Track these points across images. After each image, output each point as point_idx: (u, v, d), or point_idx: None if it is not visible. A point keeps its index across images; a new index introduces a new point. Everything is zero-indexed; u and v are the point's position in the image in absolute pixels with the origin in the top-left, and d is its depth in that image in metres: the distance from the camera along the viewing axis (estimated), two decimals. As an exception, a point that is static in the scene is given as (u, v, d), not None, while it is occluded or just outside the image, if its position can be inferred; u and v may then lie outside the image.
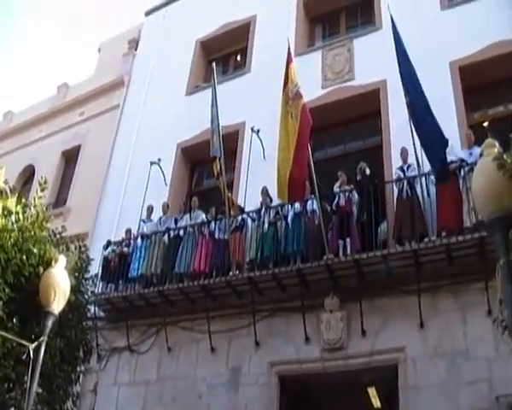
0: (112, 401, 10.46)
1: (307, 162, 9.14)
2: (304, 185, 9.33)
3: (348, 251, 9.01)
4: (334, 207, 9.57)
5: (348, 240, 9.12)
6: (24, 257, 6.67)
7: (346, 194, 9.53)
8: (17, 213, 6.98)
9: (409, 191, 9.03)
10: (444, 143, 8.25)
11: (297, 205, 9.82)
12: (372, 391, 10.64)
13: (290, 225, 9.71)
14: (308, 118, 8.99)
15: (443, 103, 9.58)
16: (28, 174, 17.04)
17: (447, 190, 8.71)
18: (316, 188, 9.23)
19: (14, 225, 6.85)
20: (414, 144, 8.81)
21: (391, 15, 9.37)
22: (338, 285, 9.15)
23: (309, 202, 9.72)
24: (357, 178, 9.84)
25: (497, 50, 9.98)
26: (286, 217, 9.91)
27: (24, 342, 6.13)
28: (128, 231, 11.70)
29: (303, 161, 9.00)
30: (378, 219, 8.97)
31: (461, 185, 8.67)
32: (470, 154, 8.83)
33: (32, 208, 7.31)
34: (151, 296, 10.63)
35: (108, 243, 11.66)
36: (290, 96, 9.33)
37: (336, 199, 9.63)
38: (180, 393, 9.85)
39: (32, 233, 7.00)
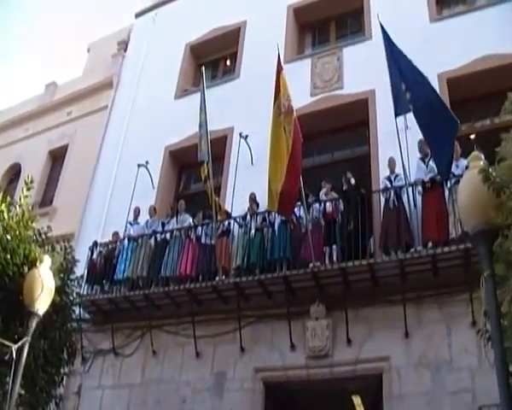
0: (95, 404, 10.39)
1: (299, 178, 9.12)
2: (294, 204, 9.30)
3: (334, 258, 9.03)
4: (319, 215, 9.60)
5: (334, 247, 9.16)
6: (8, 256, 6.64)
7: (333, 202, 9.57)
8: (2, 211, 6.94)
9: (395, 201, 9.09)
10: (453, 132, 8.21)
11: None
12: (357, 400, 10.68)
13: (277, 232, 9.71)
14: (299, 136, 9.00)
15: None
16: (14, 172, 16.88)
17: (433, 200, 8.78)
18: (303, 195, 9.28)
19: (-1, 224, 6.79)
20: (401, 154, 8.85)
21: (380, 23, 9.44)
22: (324, 293, 9.17)
23: (295, 210, 9.72)
24: (343, 188, 9.87)
25: (486, 64, 10.11)
26: (272, 223, 9.92)
27: (6, 343, 6.05)
28: (115, 234, 11.65)
29: (295, 180, 8.96)
30: (364, 228, 8.99)
31: (447, 197, 8.74)
32: (457, 166, 8.91)
33: (18, 207, 7.27)
34: (137, 299, 10.58)
35: (95, 244, 11.58)
36: (283, 109, 9.30)
37: (322, 206, 9.67)
38: (164, 397, 9.80)
39: (17, 232, 6.96)
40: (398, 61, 8.96)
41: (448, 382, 7.77)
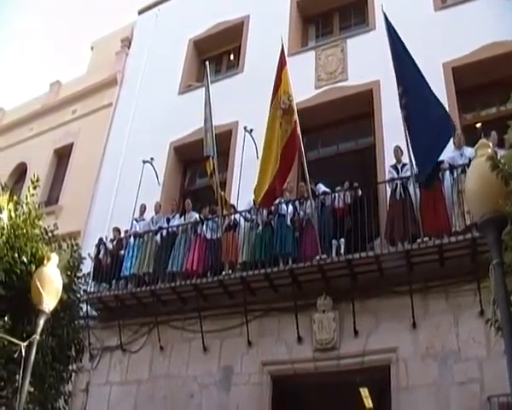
0: (103, 401, 10.43)
1: (286, 180, 9.40)
2: (275, 199, 9.55)
3: (342, 251, 9.01)
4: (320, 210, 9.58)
5: (342, 240, 9.13)
6: (16, 255, 6.66)
7: (341, 195, 9.52)
8: (9, 210, 6.96)
9: (402, 192, 9.04)
10: (440, 148, 8.23)
11: (290, 206, 9.83)
12: (364, 391, 10.68)
13: (281, 226, 9.69)
14: (296, 142, 9.01)
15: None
16: (20, 172, 16.92)
17: (435, 191, 8.73)
18: (309, 189, 9.25)
19: (6, 223, 6.80)
20: (407, 144, 8.78)
21: (384, 14, 9.37)
22: (330, 286, 9.16)
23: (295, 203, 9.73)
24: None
25: (491, 52, 10.02)
26: (278, 217, 9.89)
27: (15, 341, 6.10)
28: (116, 230, 11.66)
29: (282, 180, 9.21)
30: (370, 220, 8.96)
31: (451, 187, 8.68)
32: (461, 155, 8.87)
33: (24, 206, 7.29)
34: (143, 295, 10.61)
35: (100, 241, 11.60)
36: (282, 106, 9.27)
37: (329, 200, 9.64)
38: (172, 392, 9.83)
39: (24, 231, 6.98)
40: (399, 60, 8.90)
41: (456, 372, 7.75)
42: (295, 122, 9.02)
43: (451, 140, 9.14)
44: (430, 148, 8.22)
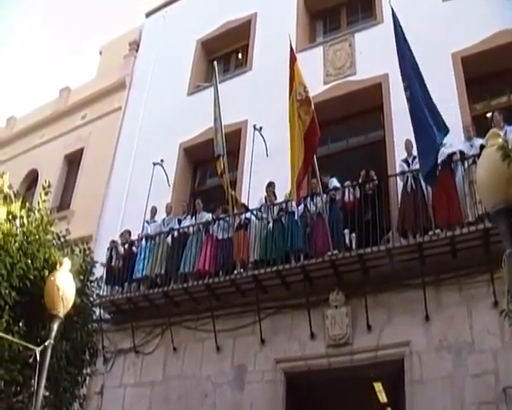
0: (118, 403, 10.49)
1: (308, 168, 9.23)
2: (301, 190, 9.40)
3: (354, 246, 8.98)
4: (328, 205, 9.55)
5: (354, 235, 9.10)
6: (29, 261, 6.69)
7: (351, 190, 9.51)
8: (21, 217, 7.02)
9: (413, 184, 8.99)
10: (436, 145, 8.17)
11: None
12: (378, 386, 10.65)
13: (295, 222, 9.69)
14: (316, 129, 8.94)
15: (445, 95, 9.54)
16: (32, 179, 17.07)
17: (445, 182, 8.65)
18: (319, 184, 9.24)
19: (19, 230, 6.87)
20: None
21: (392, 9, 9.31)
22: (342, 281, 9.13)
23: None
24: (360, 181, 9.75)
25: (500, 40, 9.92)
26: (289, 214, 9.89)
27: (30, 346, 6.15)
28: (126, 233, 11.71)
29: (305, 170, 9.11)
30: (381, 213, 8.93)
31: (463, 178, 8.61)
32: (471, 146, 8.80)
33: (37, 212, 7.34)
34: (156, 297, 10.64)
35: (113, 243, 11.67)
36: (299, 97, 9.27)
37: (340, 194, 9.62)
38: (186, 392, 9.86)
39: (37, 237, 7.02)
40: (403, 56, 8.85)
41: (470, 364, 7.67)
42: (313, 111, 9.02)
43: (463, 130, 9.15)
44: (430, 144, 8.15)
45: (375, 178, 9.49)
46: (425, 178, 8.49)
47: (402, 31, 8.98)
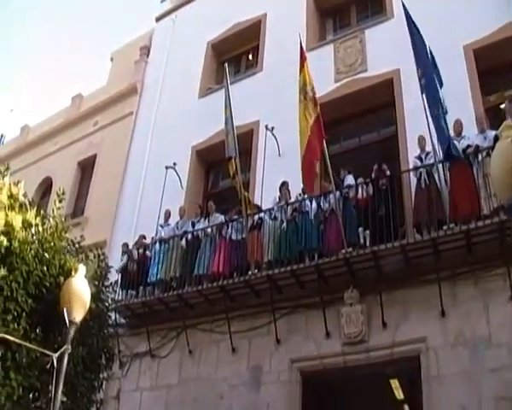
0: (135, 407, 10.53)
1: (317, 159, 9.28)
2: (313, 180, 9.44)
3: (367, 243, 8.94)
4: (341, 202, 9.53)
5: (367, 232, 9.06)
6: (45, 268, 6.74)
7: (364, 187, 9.46)
8: (37, 225, 7.06)
9: (427, 180, 8.93)
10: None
11: (314, 203, 9.81)
12: (395, 383, 10.60)
13: (309, 221, 9.67)
14: (320, 128, 9.01)
15: (458, 88, 9.55)
16: (46, 186, 17.23)
17: (463, 175, 8.59)
18: (333, 182, 9.22)
19: (34, 237, 6.93)
20: (430, 132, 8.67)
21: (403, 2, 9.28)
22: (356, 278, 9.08)
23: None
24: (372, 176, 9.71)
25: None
26: (303, 213, 9.87)
27: (47, 352, 6.22)
28: (141, 237, 11.77)
29: (311, 162, 9.19)
30: (395, 210, 8.88)
31: (477, 171, 8.54)
32: (484, 138, 8.72)
33: (51, 220, 7.40)
34: (170, 300, 10.66)
35: (126, 247, 11.73)
36: (308, 97, 9.32)
37: (353, 192, 9.59)
38: (202, 395, 9.85)
39: (52, 244, 7.07)
40: (416, 45, 8.83)
41: (487, 359, 7.58)
42: (318, 113, 9.03)
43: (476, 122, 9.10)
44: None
45: (388, 171, 9.44)
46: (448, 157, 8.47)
47: (414, 23, 8.95)
